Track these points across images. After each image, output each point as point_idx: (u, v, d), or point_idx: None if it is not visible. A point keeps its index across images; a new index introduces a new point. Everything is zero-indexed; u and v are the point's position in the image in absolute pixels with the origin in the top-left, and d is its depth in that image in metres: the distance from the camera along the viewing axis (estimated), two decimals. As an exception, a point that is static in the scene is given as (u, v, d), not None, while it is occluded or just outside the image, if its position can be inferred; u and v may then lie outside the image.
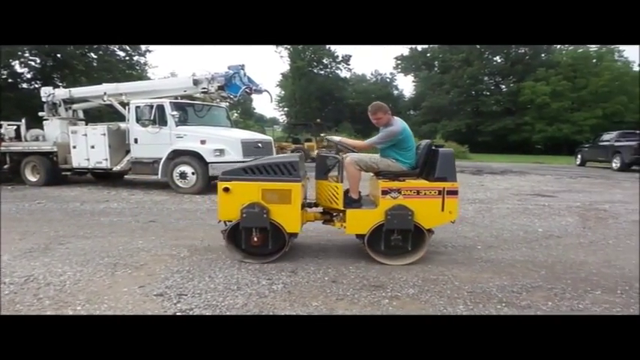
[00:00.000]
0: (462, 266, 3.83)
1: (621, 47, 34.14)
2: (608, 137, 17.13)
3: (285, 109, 46.54)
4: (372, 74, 50.26)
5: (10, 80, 19.94)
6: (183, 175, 8.23)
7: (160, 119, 8.45)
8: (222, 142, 8.23)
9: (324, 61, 41.84)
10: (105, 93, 9.49)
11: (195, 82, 8.76)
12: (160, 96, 8.94)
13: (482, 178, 12.32)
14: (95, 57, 22.63)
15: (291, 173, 3.81)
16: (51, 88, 10.60)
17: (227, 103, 10.05)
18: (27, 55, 19.71)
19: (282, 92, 45.15)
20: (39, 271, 3.60)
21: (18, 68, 20.46)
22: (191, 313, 2.82)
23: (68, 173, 9.95)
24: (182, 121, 8.62)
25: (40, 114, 10.54)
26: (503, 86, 37.31)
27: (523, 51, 35.89)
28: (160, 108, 8.48)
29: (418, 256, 3.90)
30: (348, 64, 43.21)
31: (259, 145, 8.82)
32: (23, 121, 10.58)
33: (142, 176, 9.43)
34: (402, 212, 3.77)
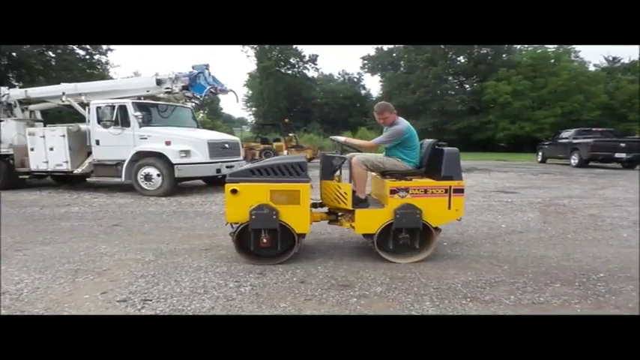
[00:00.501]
0: (429, 263, 3.89)
1: (577, 48, 35.56)
2: (567, 135, 17.80)
3: (253, 109, 46.20)
4: (339, 74, 50.57)
5: (-39, 80, 18.99)
6: (148, 177, 8.02)
7: (123, 120, 8.21)
8: (187, 143, 8.07)
9: (292, 60, 41.72)
10: (63, 93, 9.16)
11: (159, 82, 8.57)
12: (122, 96, 8.69)
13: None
14: (53, 56, 21.82)
15: (299, 174, 3.80)
16: (6, 88, 10.13)
17: (193, 104, 9.87)
18: (-21, 53, 18.84)
19: (250, 92, 44.81)
20: (-7, 279, 3.44)
21: (-30, 67, 19.55)
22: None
23: (26, 177, 9.52)
24: (146, 122, 8.40)
25: (-5, 115, 10.07)
26: (467, 86, 38.20)
27: (485, 51, 36.82)
28: (122, 108, 8.24)
29: (427, 254, 3.95)
30: (316, 64, 43.31)
31: (226, 145, 8.71)
32: (-24, 123, 10.09)
33: (105, 179, 9.13)
34: (411, 211, 3.81)
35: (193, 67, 8.61)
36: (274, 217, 3.69)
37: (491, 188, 9.45)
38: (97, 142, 8.47)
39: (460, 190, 3.91)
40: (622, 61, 38.11)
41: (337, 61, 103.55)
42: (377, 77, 43.65)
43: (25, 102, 9.96)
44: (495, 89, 32.12)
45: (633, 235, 5.00)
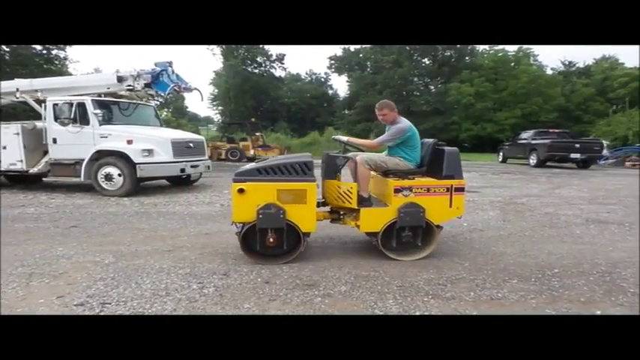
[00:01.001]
0: (393, 262, 3.94)
1: (535, 51, 36.79)
2: (526, 136, 18.44)
3: (220, 107, 45.54)
4: (307, 73, 50.53)
5: None
6: (108, 177, 7.78)
7: (82, 118, 7.93)
8: (150, 141, 7.87)
9: (258, 59, 41.40)
10: (17, 89, 8.75)
11: (120, 79, 8.32)
12: (81, 93, 8.38)
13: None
14: (7, 50, 20.85)
15: (305, 173, 3.82)
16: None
17: (157, 102, 9.65)
18: None
19: (216, 91, 44.13)
20: (-62, 285, 3.26)
21: None
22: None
23: (-23, 177, 9.08)
24: (106, 120, 8.15)
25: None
26: (432, 87, 38.91)
27: (449, 53, 37.65)
28: (81, 106, 7.95)
29: (429, 251, 4.06)
30: (283, 63, 43.15)
31: (191, 145, 8.56)
32: None
33: (63, 179, 8.80)
34: (414, 209, 3.89)
35: (156, 65, 8.41)
36: (281, 216, 3.71)
37: (454, 187, 9.63)
38: (54, 141, 8.15)
39: (461, 189, 4.06)
40: (577, 65, 39.77)
41: (304, 60, 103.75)
42: (344, 77, 43.86)
43: (-26, 98, 9.46)
44: (459, 91, 32.90)
45: (585, 232, 5.24)
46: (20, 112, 13.08)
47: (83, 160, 7.88)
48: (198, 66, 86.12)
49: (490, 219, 6.02)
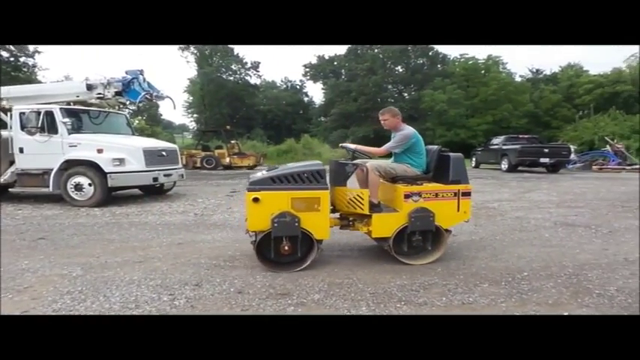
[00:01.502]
0: (367, 268, 3.96)
1: (504, 59, 37.84)
2: (497, 141, 18.84)
3: (195, 115, 45.13)
4: (282, 81, 50.62)
5: None
6: (78, 187, 7.58)
7: (50, 127, 7.72)
8: (121, 150, 7.72)
9: (233, 67, 41.23)
10: (-18, 98, 8.48)
11: (89, 87, 8.14)
12: (49, 101, 8.16)
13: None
14: (-28, 57, 20.24)
15: (318, 181, 3.87)
16: None
17: (130, 111, 9.49)
18: None
19: (191, 98, 43.73)
20: None
21: None
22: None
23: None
24: (76, 129, 7.95)
25: None
26: (406, 94, 39.52)
27: (421, 61, 38.33)
28: (49, 114, 7.74)
29: (439, 254, 4.15)
30: (258, 71, 43.04)
31: (163, 153, 8.43)
32: None
33: (31, 189, 8.51)
34: (425, 214, 3.99)
35: (127, 72, 8.27)
36: (296, 224, 3.74)
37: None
38: (21, 150, 7.90)
39: (467, 194, 4.19)
40: (544, 72, 41.02)
41: (279, 68, 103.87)
42: (319, 85, 44.10)
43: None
44: (432, 98, 33.49)
45: (554, 235, 5.37)
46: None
47: (52, 169, 7.66)
48: (171, 73, 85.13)
49: (462, 224, 6.07)
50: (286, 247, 3.80)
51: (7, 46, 20.92)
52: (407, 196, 4.03)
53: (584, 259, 4.29)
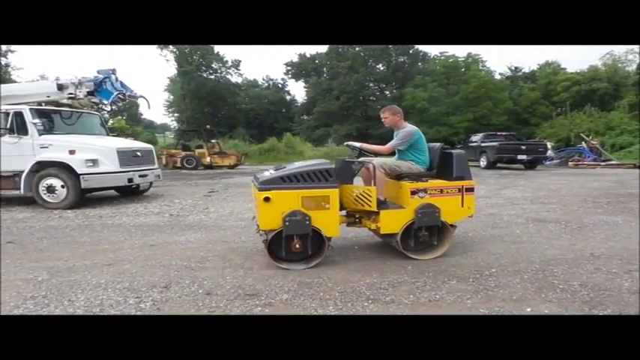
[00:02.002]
0: (338, 267, 3.97)
1: (483, 57, 38.22)
2: (476, 139, 19.07)
3: (176, 114, 44.64)
4: (263, 79, 50.37)
5: None
6: (50, 189, 7.43)
7: (20, 128, 7.55)
8: (94, 151, 7.60)
9: (214, 65, 40.86)
10: (-51, 99, 8.24)
11: (60, 87, 7.98)
12: (19, 102, 7.98)
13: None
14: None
15: (327, 179, 3.93)
16: None
17: (106, 110, 9.34)
18: None
19: (171, 97, 43.25)
20: None
21: None
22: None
23: None
24: (47, 130, 7.80)
25: None
26: (388, 92, 39.64)
27: (402, 59, 38.52)
28: (19, 115, 7.57)
29: (445, 249, 4.29)
30: (239, 69, 42.72)
31: (138, 153, 8.32)
32: None
33: (2, 192, 8.33)
34: (431, 210, 4.11)
35: (98, 72, 8.14)
36: (307, 222, 3.80)
37: (406, 191, 9.83)
38: (-9, 152, 7.72)
39: (471, 189, 4.32)
40: (523, 70, 41.58)
41: (260, 66, 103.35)
42: (301, 83, 43.94)
43: None
44: (413, 96, 33.64)
45: (525, 231, 5.46)
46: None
47: (22, 171, 7.50)
48: (151, 72, 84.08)
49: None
50: (297, 245, 3.86)
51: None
52: (413, 193, 4.15)
53: (551, 254, 4.37)
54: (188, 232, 5.57)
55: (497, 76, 39.47)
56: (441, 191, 4.22)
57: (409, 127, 4.57)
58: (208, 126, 22.57)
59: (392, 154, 4.78)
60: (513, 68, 41.92)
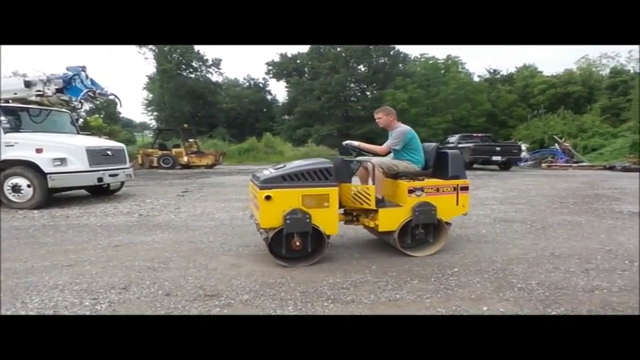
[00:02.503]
0: (303, 268, 3.96)
1: (463, 60, 38.77)
2: (452, 140, 19.32)
3: (155, 113, 44.00)
4: (244, 79, 50.01)
5: None
6: (16, 189, 7.25)
7: (-17, 126, 7.35)
8: (63, 150, 7.43)
9: (194, 64, 40.42)
10: None
11: (28, 84, 7.80)
12: (-16, 99, 7.78)
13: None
14: None
15: (327, 178, 3.99)
16: None
17: (78, 108, 9.15)
18: None
19: (150, 96, 42.62)
20: None
21: None
22: None
23: None
24: (14, 128, 7.62)
25: None
26: (369, 93, 39.82)
27: (383, 61, 38.74)
28: (-17, 113, 7.38)
29: (440, 246, 4.42)
30: (219, 68, 42.34)
31: (109, 152, 8.17)
32: None
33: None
34: (427, 208, 4.24)
35: (68, 69, 7.97)
36: (307, 220, 3.86)
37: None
38: (-46, 150, 7.49)
39: (466, 188, 4.47)
40: (501, 73, 42.25)
41: (241, 65, 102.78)
42: (282, 83, 43.77)
43: None
44: (393, 97, 33.86)
45: (491, 231, 5.55)
46: None
47: (-14, 170, 7.30)
48: (130, 70, 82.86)
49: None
50: (297, 243, 3.92)
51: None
52: (410, 191, 4.27)
53: (513, 254, 4.44)
54: (155, 233, 5.50)
55: (476, 79, 40.05)
56: (437, 190, 4.36)
57: (402, 127, 4.67)
58: (186, 125, 22.35)
59: (387, 153, 4.89)
60: (492, 71, 42.59)
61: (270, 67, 42.94)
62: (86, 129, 25.07)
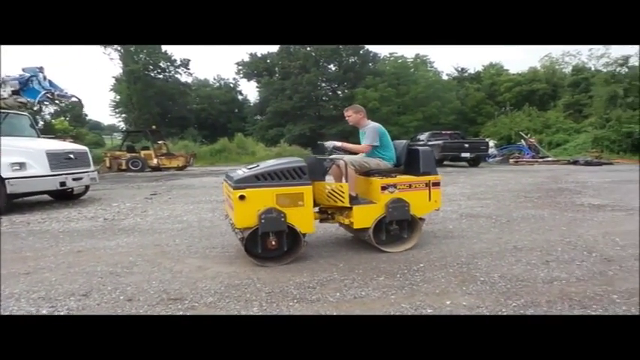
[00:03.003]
0: (270, 268, 3.93)
1: (431, 59, 39.35)
2: (422, 137, 19.58)
3: (123, 115, 43.03)
4: (214, 79, 49.46)
5: None
6: (-28, 195, 6.95)
7: None
8: (21, 154, 7.16)
9: (162, 64, 39.68)
10: None
11: (-20, 87, 7.51)
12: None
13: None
14: None
15: (301, 177, 3.99)
16: None
17: (35, 110, 8.84)
18: None
19: (117, 97, 41.65)
20: None
21: None
22: None
23: None
24: (-32, 132, 7.30)
25: None
26: (340, 92, 39.95)
27: (353, 60, 38.95)
28: None
29: (415, 241, 4.50)
30: (188, 69, 41.68)
31: (71, 156, 7.93)
32: None
33: None
34: (401, 204, 4.29)
35: (24, 70, 7.70)
36: (282, 219, 3.87)
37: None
38: None
39: (437, 184, 4.56)
40: (468, 71, 43.17)
41: (211, 65, 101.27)
42: (253, 83, 43.46)
43: None
44: (364, 95, 34.10)
45: (457, 226, 5.65)
46: None
47: (-62, 177, 6.96)
48: (96, 71, 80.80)
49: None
50: (273, 242, 3.92)
51: None
52: (383, 188, 4.30)
53: (478, 248, 4.53)
54: (120, 237, 5.37)
55: (445, 77, 40.76)
56: (410, 186, 4.41)
57: (373, 124, 4.74)
58: (154, 127, 21.92)
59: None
60: (460, 69, 43.42)
61: (240, 67, 42.63)
62: (51, 132, 24.34)
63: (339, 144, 4.78)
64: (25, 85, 7.61)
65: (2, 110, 8.07)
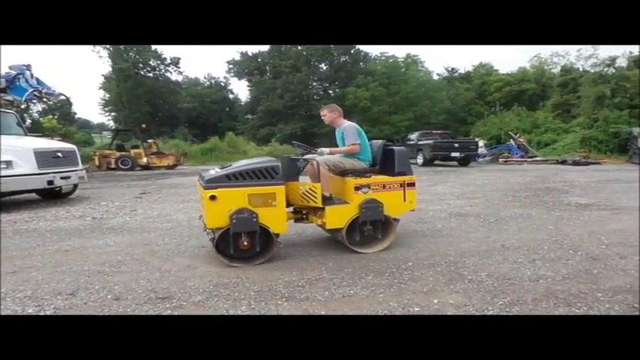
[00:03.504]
0: (259, 267, 3.94)
1: (422, 58, 39.47)
2: (413, 137, 19.66)
3: (113, 113, 42.65)
4: (205, 77, 49.17)
5: None
6: (-42, 194, 6.88)
7: None
8: (8, 152, 7.06)
9: (151, 63, 39.39)
10: None
11: (-34, 85, 7.41)
12: None
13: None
14: None
15: (273, 177, 3.97)
16: None
17: (18, 109, 8.74)
18: None
19: (107, 95, 41.27)
20: None
21: None
22: None
23: None
24: (-46, 130, 7.20)
25: None
26: (331, 91, 39.93)
27: (344, 59, 38.97)
28: None
29: (389, 242, 4.47)
30: (178, 67, 41.44)
31: (59, 154, 7.85)
32: None
33: None
34: (374, 205, 4.28)
35: (10, 68, 7.60)
36: (254, 219, 3.83)
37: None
38: None
39: (412, 184, 4.55)
40: (459, 71, 43.37)
41: (201, 64, 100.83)
42: (244, 82, 43.29)
43: None
44: (355, 95, 34.12)
45: (446, 225, 5.69)
46: None
47: None
48: (85, 69, 79.99)
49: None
50: (245, 243, 3.90)
51: None
52: (357, 188, 4.29)
53: (466, 247, 4.57)
54: (109, 236, 5.33)
55: (435, 77, 40.91)
56: (384, 186, 4.40)
57: (349, 123, 4.74)
58: (144, 125, 21.75)
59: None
60: (450, 69, 43.62)
61: (231, 66, 42.47)
62: (39, 130, 24.04)
63: (327, 150, 4.75)
64: (12, 82, 7.52)
65: (-11, 108, 7.99)
